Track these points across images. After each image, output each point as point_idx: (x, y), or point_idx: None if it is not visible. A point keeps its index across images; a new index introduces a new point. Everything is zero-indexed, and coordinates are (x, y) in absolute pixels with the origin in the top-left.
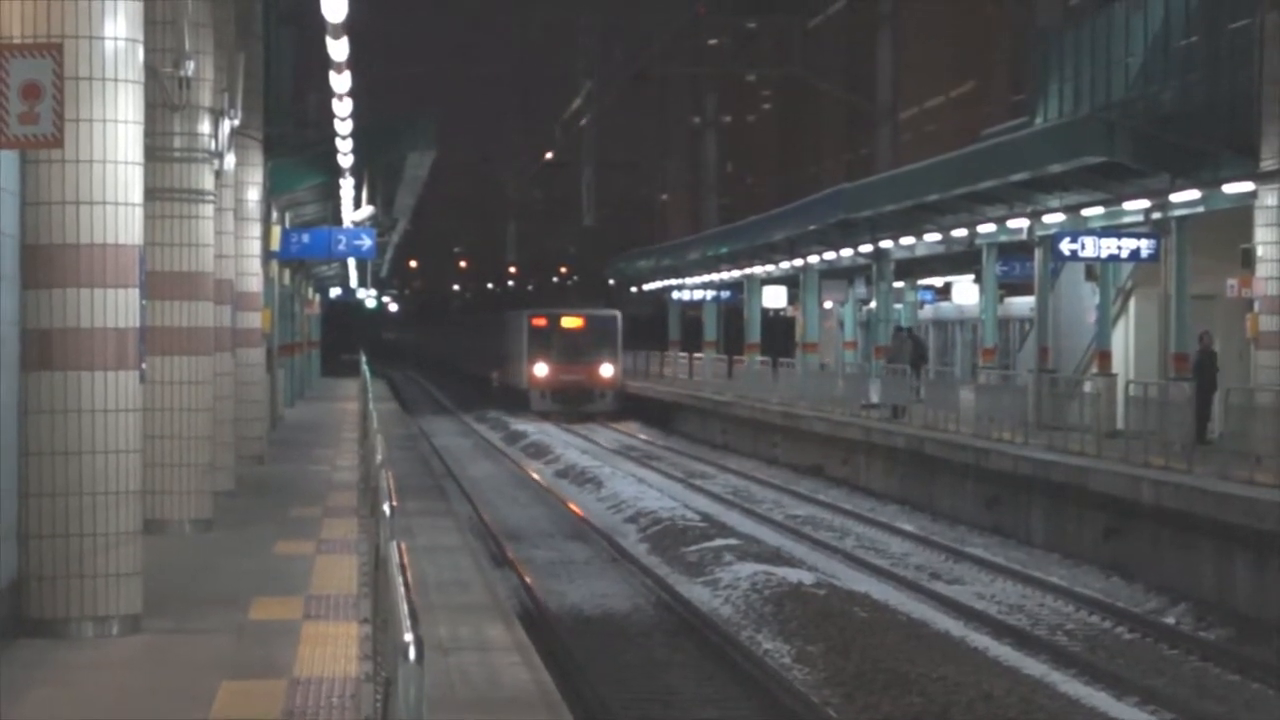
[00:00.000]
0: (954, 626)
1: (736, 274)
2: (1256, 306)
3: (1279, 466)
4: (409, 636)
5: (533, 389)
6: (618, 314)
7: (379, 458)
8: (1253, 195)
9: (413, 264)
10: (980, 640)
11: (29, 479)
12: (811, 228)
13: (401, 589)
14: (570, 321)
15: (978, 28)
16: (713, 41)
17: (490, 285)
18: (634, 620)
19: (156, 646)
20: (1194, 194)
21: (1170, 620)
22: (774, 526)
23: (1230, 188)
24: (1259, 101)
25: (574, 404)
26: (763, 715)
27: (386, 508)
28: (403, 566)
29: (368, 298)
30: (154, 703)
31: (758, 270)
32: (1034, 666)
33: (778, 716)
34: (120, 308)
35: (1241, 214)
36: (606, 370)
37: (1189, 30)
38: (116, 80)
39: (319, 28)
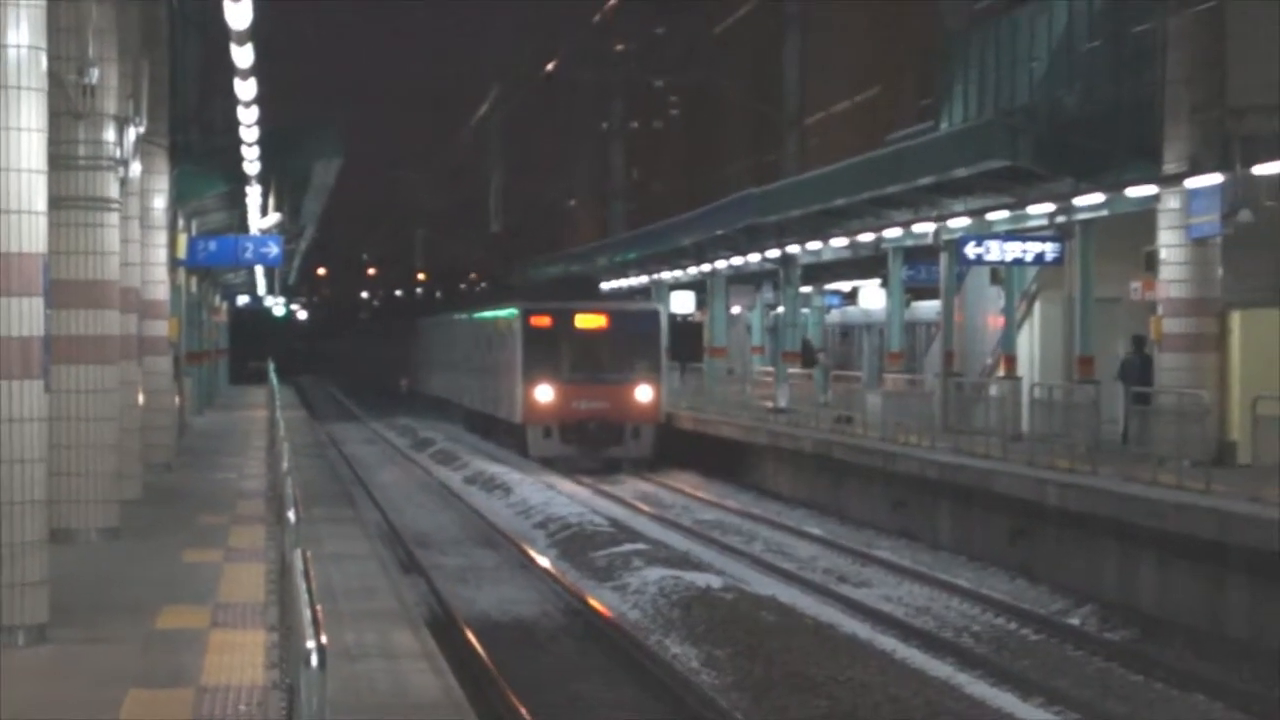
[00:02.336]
0: (861, 629)
1: (644, 279)
2: (1160, 309)
3: (1179, 469)
4: (311, 643)
5: (531, 424)
6: (659, 309)
7: (285, 465)
8: (1155, 198)
9: (321, 271)
10: (887, 642)
11: None
12: (719, 233)
13: (305, 596)
14: (590, 320)
15: (884, 32)
16: (620, 47)
17: (398, 292)
18: (543, 626)
19: (63, 656)
20: (1097, 197)
21: (1075, 621)
22: (682, 531)
23: (1133, 191)
24: (1161, 105)
25: (595, 446)
26: (665, 712)
27: (291, 515)
28: (307, 574)
29: (276, 305)
30: (61, 713)
31: (665, 275)
32: (940, 668)
33: (680, 711)
34: (24, 316)
35: (1145, 217)
36: (644, 394)
37: (1092, 34)
38: (19, 88)
39: (224, 34)
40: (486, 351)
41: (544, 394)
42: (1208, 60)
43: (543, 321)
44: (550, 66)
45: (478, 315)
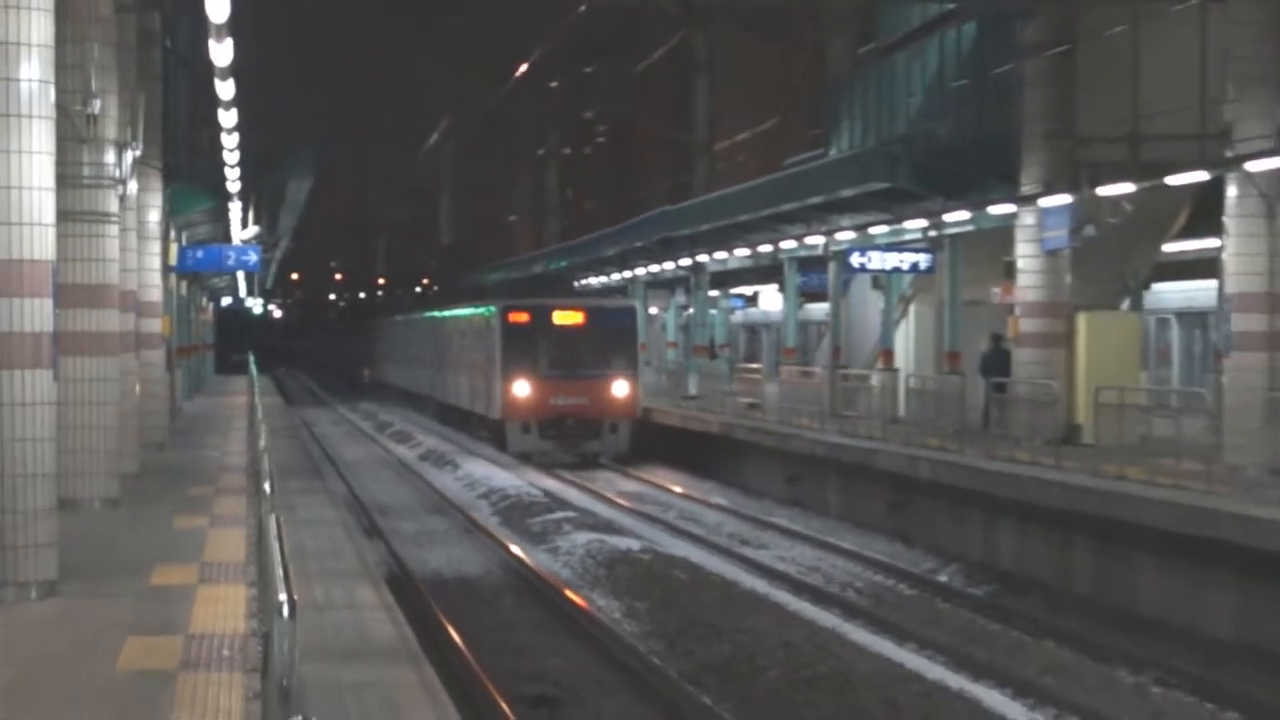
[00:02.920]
0: (759, 585)
1: (574, 285)
2: (1017, 311)
3: (1033, 448)
4: (283, 597)
5: (510, 420)
6: (635, 305)
7: (262, 444)
8: (1014, 216)
9: (294, 276)
10: (781, 596)
11: None
12: (638, 244)
13: (278, 556)
14: (567, 317)
15: (780, 72)
16: (554, 84)
17: (362, 295)
18: (486, 582)
19: (70, 608)
20: (964, 215)
21: (944, 578)
22: (606, 502)
23: (995, 209)
24: (1019, 136)
25: (573, 441)
26: (593, 657)
27: (267, 487)
28: (280, 538)
29: (255, 306)
30: (69, 656)
31: (593, 281)
32: (827, 618)
33: (604, 655)
34: (35, 315)
35: (1004, 232)
36: (620, 389)
37: (959, 75)
38: (31, 116)
39: (209, 70)
40: (460, 348)
41: (522, 390)
42: (1059, 98)
43: (521, 318)
44: (494, 100)
45: (451, 313)
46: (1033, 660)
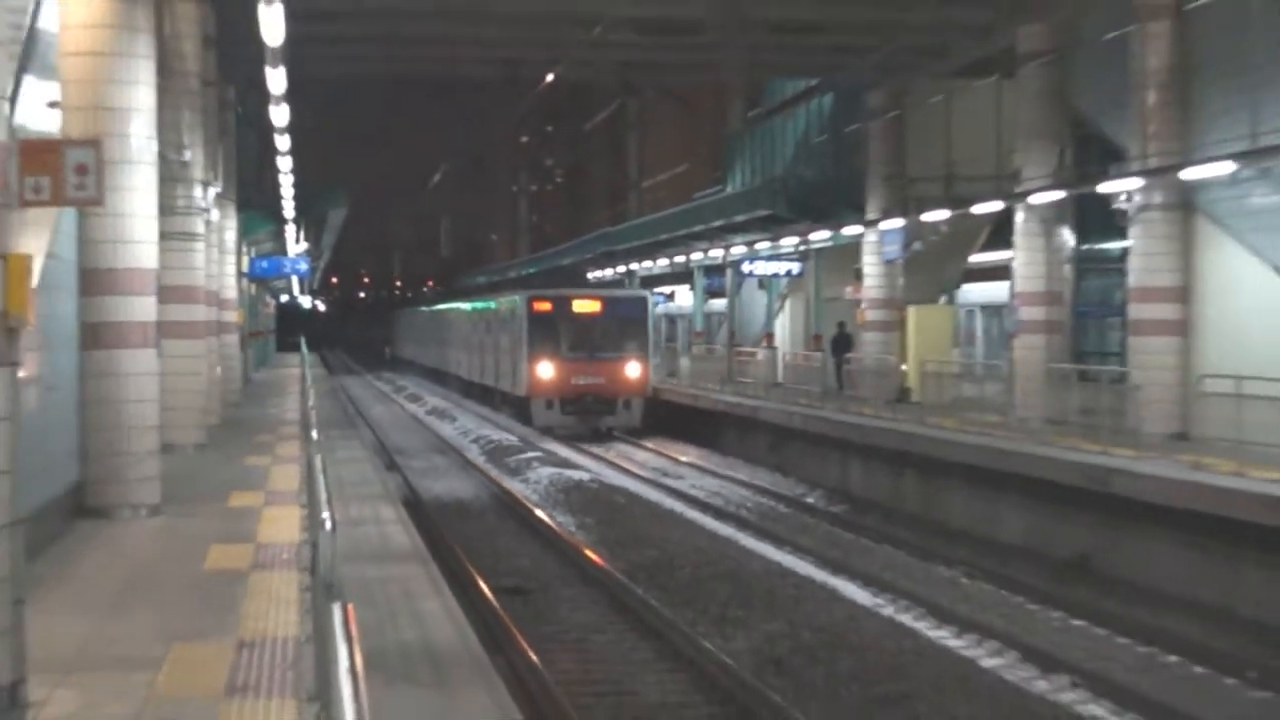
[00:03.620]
0: (676, 506)
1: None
2: (863, 305)
3: (877, 405)
4: (326, 515)
5: (535, 397)
6: (647, 295)
7: (310, 403)
8: (861, 235)
9: (334, 279)
10: (693, 515)
11: (86, 419)
12: (586, 256)
13: (322, 485)
14: (585, 305)
15: (691, 129)
16: (524, 139)
17: (383, 293)
18: (475, 503)
19: (170, 524)
20: (825, 234)
21: (811, 500)
22: (563, 443)
23: (847, 230)
24: (865, 176)
25: (591, 416)
26: (555, 561)
27: (314, 434)
28: (323, 471)
29: (305, 301)
30: (169, 558)
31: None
32: (726, 530)
33: (562, 557)
34: (143, 308)
35: (854, 247)
36: (634, 370)
37: (821, 132)
38: (139, 163)
39: (270, 127)
40: (486, 332)
41: (546, 370)
42: (893, 149)
43: (544, 306)
44: (479, 151)
45: (475, 303)
46: (875, 560)
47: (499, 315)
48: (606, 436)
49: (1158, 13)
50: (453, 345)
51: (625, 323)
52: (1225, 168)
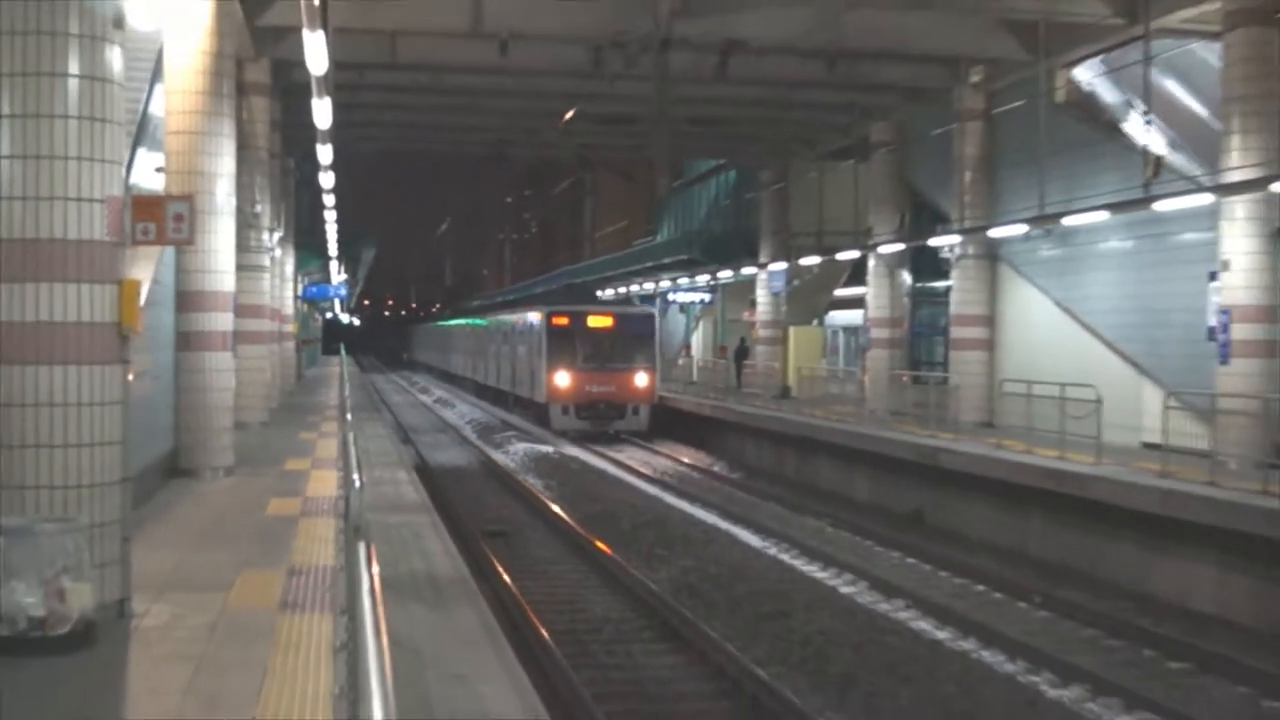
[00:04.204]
0: (621, 473)
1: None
2: (757, 325)
3: (768, 400)
4: (356, 476)
5: (553, 403)
6: (654, 312)
7: (346, 393)
8: (755, 274)
9: (366, 302)
10: (630, 479)
11: (180, 403)
12: (553, 288)
13: (354, 454)
14: (598, 321)
15: (631, 195)
16: (509, 199)
17: (403, 313)
18: (469, 469)
19: (240, 482)
20: (729, 273)
21: (716, 469)
22: (538, 428)
23: (745, 270)
24: (758, 231)
25: (603, 421)
26: (528, 513)
27: (349, 416)
28: (355, 444)
29: (344, 318)
30: (240, 507)
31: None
32: (654, 491)
33: (532, 510)
34: (223, 321)
35: (750, 283)
36: (642, 380)
37: (727, 198)
38: (221, 213)
39: (319, 189)
40: (503, 343)
41: (563, 379)
42: (779, 211)
43: (562, 321)
44: (475, 208)
45: (496, 317)
46: (762, 513)
47: (517, 328)
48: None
49: (972, 115)
50: (458, 352)
51: (635, 336)
52: (1019, 229)
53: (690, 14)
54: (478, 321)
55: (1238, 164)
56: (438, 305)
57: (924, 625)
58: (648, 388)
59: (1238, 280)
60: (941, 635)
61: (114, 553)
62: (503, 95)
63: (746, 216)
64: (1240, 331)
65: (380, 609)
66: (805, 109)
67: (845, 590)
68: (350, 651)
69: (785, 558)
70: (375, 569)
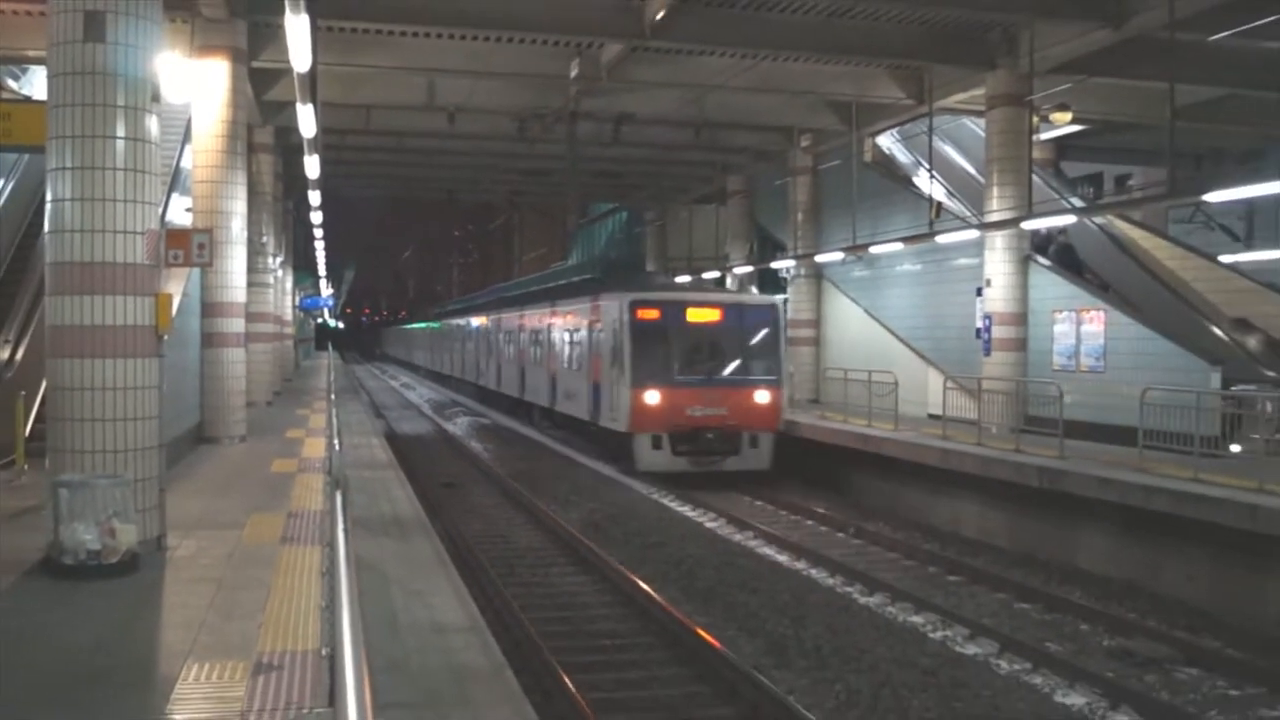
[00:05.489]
0: (542, 438)
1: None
2: None
3: None
4: (336, 441)
5: (639, 433)
6: (778, 301)
7: (331, 379)
8: None
9: (348, 310)
10: (548, 442)
11: (204, 387)
12: (490, 299)
13: (335, 425)
14: (703, 314)
15: (549, 229)
16: (457, 233)
17: (375, 319)
18: (427, 437)
19: (250, 447)
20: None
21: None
22: (478, 404)
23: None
24: (645, 257)
25: (710, 458)
26: (472, 469)
27: (333, 397)
28: (337, 417)
29: (331, 322)
30: (250, 466)
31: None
32: (568, 452)
33: (476, 469)
34: (236, 325)
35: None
36: (763, 398)
37: (621, 232)
38: (236, 243)
39: (310, 223)
40: (532, 343)
41: (653, 398)
42: (660, 242)
43: (651, 314)
44: (430, 237)
45: (532, 306)
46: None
47: (568, 323)
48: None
49: (802, 171)
50: (429, 350)
51: (751, 336)
52: (838, 255)
53: (592, 94)
54: (531, 307)
55: (996, 208)
56: (403, 313)
57: (768, 551)
58: (770, 408)
59: (997, 294)
60: (781, 559)
61: (153, 500)
62: (451, 154)
63: (635, 246)
64: (999, 332)
65: (351, 541)
66: (678, 165)
67: (709, 526)
68: (329, 573)
69: (667, 502)
70: (349, 511)
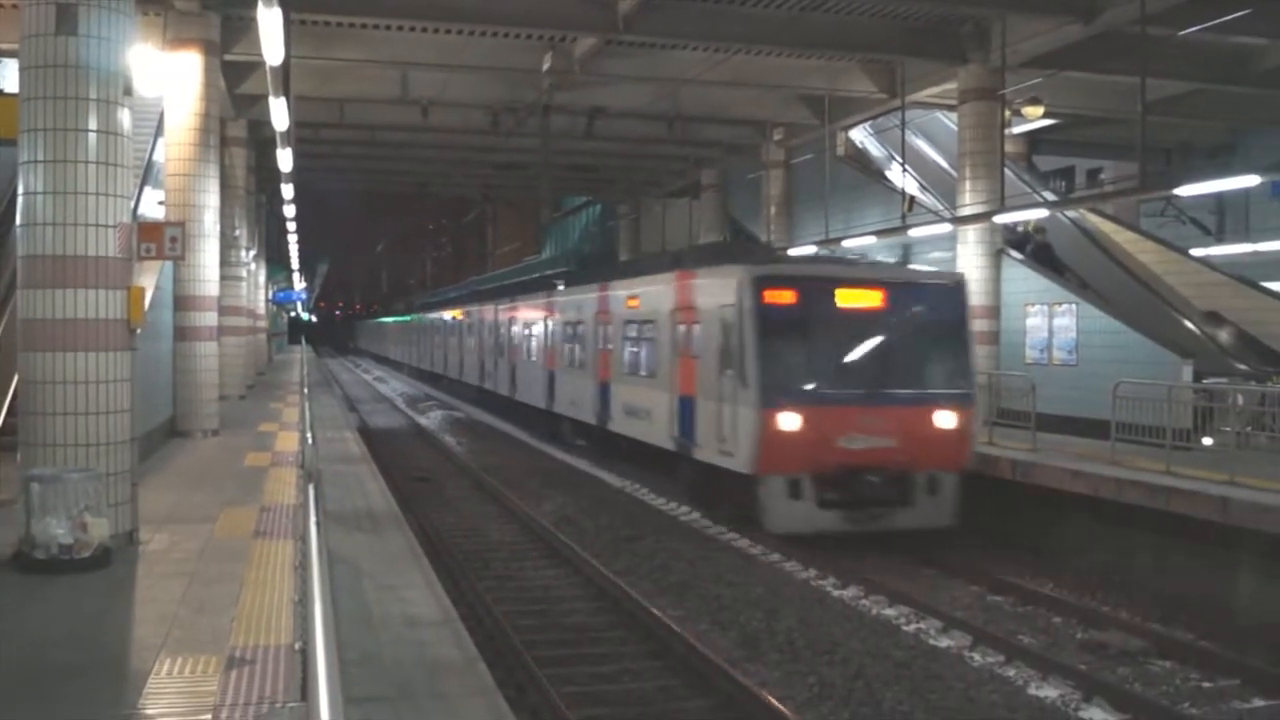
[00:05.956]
0: (511, 429)
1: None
2: None
3: None
4: (309, 435)
5: (771, 475)
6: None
7: (304, 373)
8: None
9: (322, 304)
10: (521, 437)
11: (176, 380)
12: (465, 292)
13: (309, 418)
14: (861, 297)
15: (521, 223)
16: (431, 226)
17: (348, 313)
18: (400, 430)
19: (223, 441)
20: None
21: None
22: (452, 396)
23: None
24: (617, 249)
25: (871, 512)
26: (444, 461)
27: (306, 390)
28: (310, 410)
29: (305, 315)
30: (223, 459)
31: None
32: (541, 446)
33: (448, 460)
34: (209, 318)
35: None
36: (946, 420)
37: (594, 225)
38: (209, 236)
39: (283, 218)
40: (598, 343)
41: (792, 423)
42: (633, 236)
43: (786, 297)
44: (404, 231)
45: (568, 291)
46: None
47: (633, 311)
48: (451, 391)
49: (775, 165)
50: (412, 345)
51: (930, 330)
52: (811, 249)
53: (565, 88)
54: (466, 312)
55: (969, 202)
56: (375, 306)
57: (707, 521)
58: (958, 436)
59: (970, 287)
60: (755, 550)
61: (125, 494)
62: (425, 147)
63: (609, 240)
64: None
65: (324, 535)
66: (652, 159)
67: (684, 519)
68: (302, 567)
69: (641, 494)
70: (322, 505)
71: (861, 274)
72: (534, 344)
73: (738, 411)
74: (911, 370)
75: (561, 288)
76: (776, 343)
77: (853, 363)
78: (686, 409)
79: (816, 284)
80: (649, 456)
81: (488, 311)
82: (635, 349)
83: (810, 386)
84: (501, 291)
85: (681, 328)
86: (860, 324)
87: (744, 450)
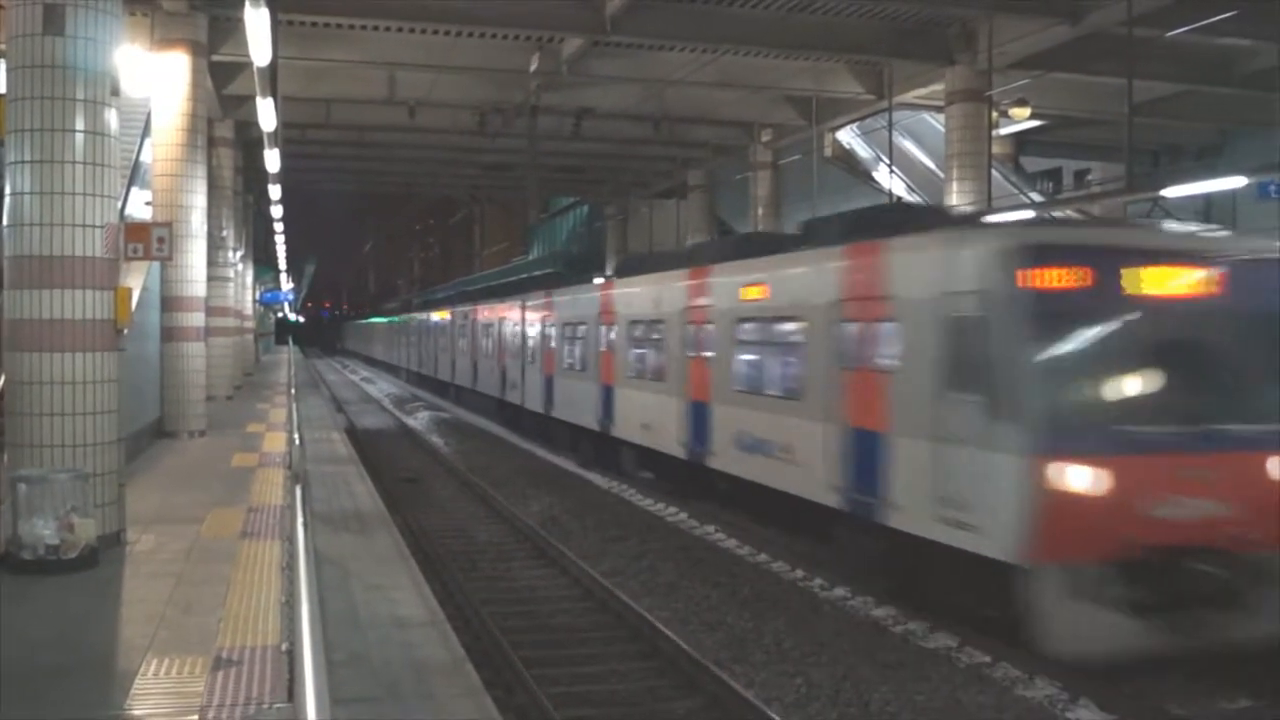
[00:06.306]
0: (501, 431)
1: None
2: None
3: None
4: (297, 435)
5: (1054, 565)
6: None
7: (292, 373)
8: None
9: (309, 304)
10: (511, 437)
11: (164, 380)
12: (452, 293)
13: (296, 418)
14: (1176, 278)
15: (509, 223)
16: (418, 226)
17: (336, 313)
18: (387, 430)
19: (212, 441)
20: (585, 284)
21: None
22: (440, 398)
23: (596, 280)
24: (604, 252)
25: (1208, 618)
26: (432, 462)
27: (293, 391)
28: (297, 411)
29: (292, 316)
30: (210, 460)
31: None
32: (527, 445)
33: (440, 464)
34: (196, 319)
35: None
36: None
37: (582, 226)
38: (196, 237)
39: (270, 218)
40: (679, 346)
41: (1087, 482)
42: (620, 237)
43: (1072, 281)
44: (392, 230)
45: (658, 274)
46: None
47: (768, 303)
48: (439, 384)
49: (763, 166)
50: (407, 347)
51: (1268, 328)
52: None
53: (552, 88)
54: (476, 311)
55: (956, 202)
56: (362, 306)
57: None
58: None
59: None
60: (743, 551)
61: (112, 495)
62: (412, 148)
63: (596, 241)
64: None
65: (311, 535)
66: (639, 160)
67: (671, 520)
68: (289, 568)
69: (626, 495)
70: (309, 505)
71: (1187, 244)
72: (579, 350)
73: (988, 460)
74: (1271, 397)
75: (611, 278)
76: (1059, 351)
77: (1168, 383)
78: (867, 448)
79: (1119, 258)
80: (769, 501)
81: (521, 306)
82: (755, 356)
83: (1117, 423)
84: (515, 287)
85: (853, 326)
86: (1177, 322)
87: (1000, 523)
